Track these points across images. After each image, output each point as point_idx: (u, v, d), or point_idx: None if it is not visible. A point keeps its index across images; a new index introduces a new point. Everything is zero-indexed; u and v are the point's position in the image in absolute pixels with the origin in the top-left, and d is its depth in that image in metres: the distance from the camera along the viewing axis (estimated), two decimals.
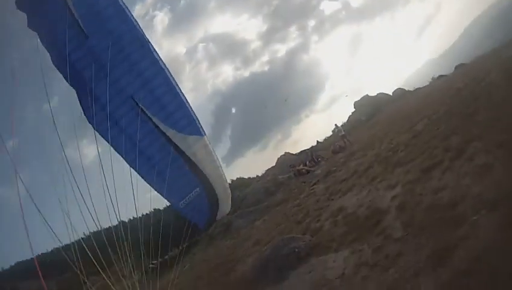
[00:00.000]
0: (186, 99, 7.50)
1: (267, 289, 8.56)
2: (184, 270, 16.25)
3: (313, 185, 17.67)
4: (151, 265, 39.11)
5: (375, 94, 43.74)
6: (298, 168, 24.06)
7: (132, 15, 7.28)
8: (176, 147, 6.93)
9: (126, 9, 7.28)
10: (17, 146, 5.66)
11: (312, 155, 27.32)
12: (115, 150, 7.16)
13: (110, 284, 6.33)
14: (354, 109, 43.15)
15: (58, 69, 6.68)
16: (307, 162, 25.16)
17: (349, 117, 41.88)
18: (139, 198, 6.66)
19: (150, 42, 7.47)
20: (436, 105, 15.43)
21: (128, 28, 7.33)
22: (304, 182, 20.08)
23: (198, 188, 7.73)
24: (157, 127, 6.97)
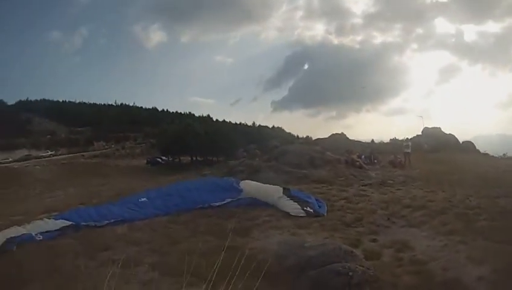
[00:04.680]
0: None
1: None
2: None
3: (364, 185, 15.38)
4: (160, 159, 40.35)
5: (447, 133, 40.02)
6: (354, 157, 21.53)
7: None
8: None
9: None
10: None
11: (371, 154, 24.66)
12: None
13: None
14: (420, 134, 39.61)
15: None
16: (363, 156, 22.61)
17: (412, 138, 38.55)
18: None
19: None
20: None
21: None
22: (355, 176, 17.71)
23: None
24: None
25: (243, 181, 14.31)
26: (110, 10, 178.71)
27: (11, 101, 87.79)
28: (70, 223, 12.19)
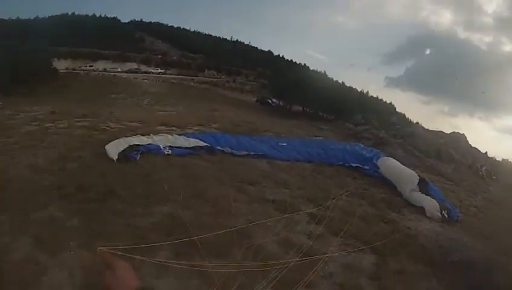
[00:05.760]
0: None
1: None
2: None
3: (487, 199, 16.30)
4: (270, 100, 42.87)
5: None
6: (478, 166, 22.33)
7: None
8: None
9: None
10: None
11: (493, 168, 25.17)
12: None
13: None
14: None
15: None
16: (484, 168, 23.04)
17: None
18: None
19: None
20: None
21: None
22: (477, 185, 18.61)
23: None
24: None
25: (382, 158, 13.96)
26: None
27: (124, 19, 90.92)
28: (205, 144, 11.92)
